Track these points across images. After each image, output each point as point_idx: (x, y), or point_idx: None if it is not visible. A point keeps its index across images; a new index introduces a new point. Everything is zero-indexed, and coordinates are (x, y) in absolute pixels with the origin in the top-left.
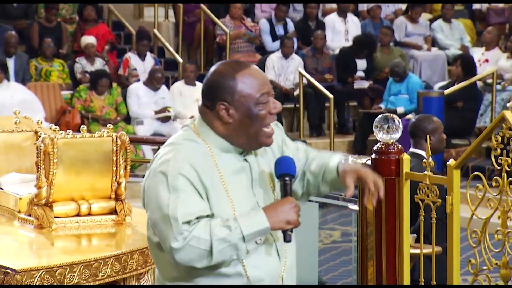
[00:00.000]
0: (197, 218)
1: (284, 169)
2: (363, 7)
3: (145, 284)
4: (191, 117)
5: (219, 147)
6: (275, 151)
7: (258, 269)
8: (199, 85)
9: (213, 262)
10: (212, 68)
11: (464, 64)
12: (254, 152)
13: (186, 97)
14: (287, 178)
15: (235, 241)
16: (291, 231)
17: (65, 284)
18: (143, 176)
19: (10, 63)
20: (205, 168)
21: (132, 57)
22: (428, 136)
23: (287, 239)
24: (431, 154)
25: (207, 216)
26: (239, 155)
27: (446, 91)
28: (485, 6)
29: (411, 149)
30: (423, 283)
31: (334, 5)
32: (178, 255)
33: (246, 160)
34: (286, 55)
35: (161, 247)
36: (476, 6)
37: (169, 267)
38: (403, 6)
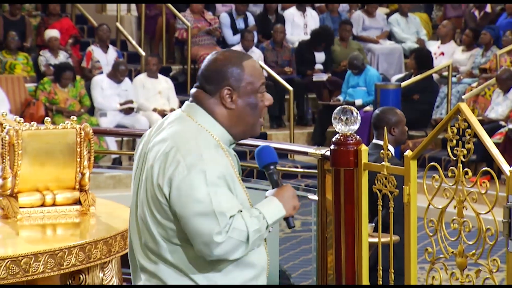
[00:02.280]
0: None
1: (267, 159)
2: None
3: (109, 273)
4: (154, 109)
5: (223, 139)
6: None
7: (263, 261)
8: (161, 78)
9: (245, 253)
10: (213, 56)
11: (419, 57)
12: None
13: (149, 89)
14: (272, 167)
15: (263, 231)
16: (293, 217)
17: (30, 272)
18: (107, 167)
19: None
20: (225, 162)
21: (95, 50)
22: (391, 128)
23: (291, 225)
24: (394, 145)
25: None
26: (230, 149)
27: (403, 84)
28: None
29: (374, 140)
30: (381, 271)
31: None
32: (219, 248)
33: (235, 155)
34: (246, 48)
35: (182, 241)
36: None
37: (186, 262)
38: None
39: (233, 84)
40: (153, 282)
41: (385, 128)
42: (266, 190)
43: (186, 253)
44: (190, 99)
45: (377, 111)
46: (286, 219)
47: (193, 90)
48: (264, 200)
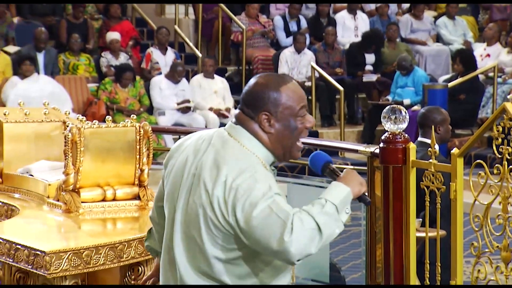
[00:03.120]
0: None
1: (320, 163)
2: (369, 6)
3: None
4: (210, 109)
5: (266, 160)
6: None
7: None
8: (217, 78)
9: (324, 238)
10: (255, 79)
11: (463, 59)
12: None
13: (205, 89)
14: (328, 166)
15: (331, 212)
16: (366, 194)
17: (91, 264)
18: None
19: (40, 57)
20: (273, 179)
21: (154, 52)
22: (437, 127)
23: (367, 201)
24: (439, 143)
25: None
26: (272, 169)
27: (450, 84)
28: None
29: (420, 139)
30: (428, 265)
31: (345, 3)
32: (293, 246)
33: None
34: (298, 50)
35: (246, 259)
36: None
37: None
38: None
39: (270, 109)
40: None
41: (432, 126)
42: (319, 186)
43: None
44: (234, 120)
45: (422, 110)
46: (359, 198)
47: (236, 112)
48: (326, 188)
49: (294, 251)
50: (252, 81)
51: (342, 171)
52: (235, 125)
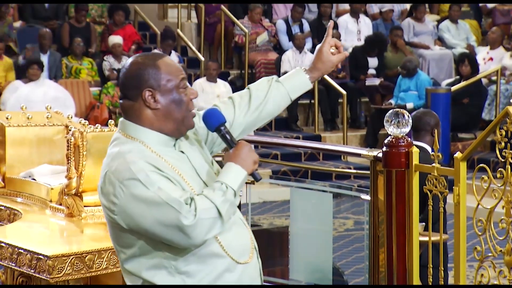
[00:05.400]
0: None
1: (214, 122)
2: (373, 9)
3: None
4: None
5: (155, 142)
6: (199, 139)
7: (235, 245)
8: (220, 82)
9: (225, 224)
10: (128, 63)
11: (470, 62)
12: (184, 145)
13: (208, 93)
14: (222, 128)
15: (232, 198)
16: (257, 170)
17: (93, 269)
18: None
19: (45, 60)
20: (156, 161)
21: None
22: (432, 130)
23: (258, 178)
24: (432, 147)
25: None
26: (173, 149)
27: (453, 88)
28: (490, 5)
29: (414, 142)
30: (431, 269)
31: (347, 7)
32: (195, 232)
33: (182, 151)
34: (298, 48)
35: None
36: (482, 4)
37: (159, 261)
38: (408, 6)
39: (153, 84)
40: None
41: (433, 130)
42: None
43: (148, 265)
44: (122, 114)
45: (416, 114)
46: (252, 175)
47: (119, 102)
48: (222, 169)
49: (194, 235)
50: (126, 65)
51: (233, 141)
52: (121, 119)
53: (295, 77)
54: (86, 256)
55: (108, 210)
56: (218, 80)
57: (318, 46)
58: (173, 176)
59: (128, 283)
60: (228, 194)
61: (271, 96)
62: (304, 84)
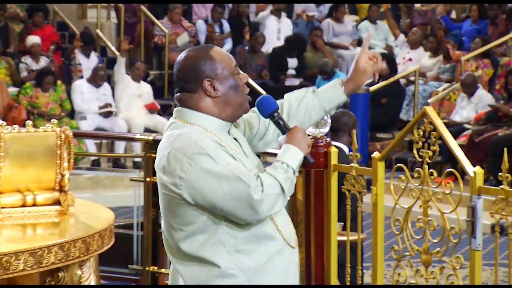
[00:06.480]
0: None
1: (268, 108)
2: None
3: (86, 270)
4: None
5: (213, 127)
6: (241, 126)
7: (286, 229)
8: (142, 82)
9: (285, 201)
10: (181, 58)
11: (388, 63)
12: (236, 132)
13: (130, 93)
14: (275, 114)
15: (292, 177)
16: (309, 154)
17: (10, 270)
18: (86, 168)
19: None
20: (219, 141)
21: (78, 53)
22: (350, 130)
23: (310, 161)
24: (349, 146)
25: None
26: (227, 134)
27: (372, 88)
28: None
29: (332, 142)
30: (349, 268)
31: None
32: (262, 206)
33: (235, 138)
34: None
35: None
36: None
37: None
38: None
39: (210, 75)
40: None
41: (351, 130)
42: None
43: (207, 243)
44: (177, 104)
45: (334, 114)
46: (305, 157)
47: (176, 95)
48: (281, 150)
49: (261, 210)
50: (180, 59)
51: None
52: (177, 108)
53: (330, 89)
54: (3, 257)
55: (172, 186)
56: (141, 80)
57: (355, 57)
58: (235, 154)
59: (179, 271)
60: (289, 172)
61: (303, 105)
62: (338, 96)
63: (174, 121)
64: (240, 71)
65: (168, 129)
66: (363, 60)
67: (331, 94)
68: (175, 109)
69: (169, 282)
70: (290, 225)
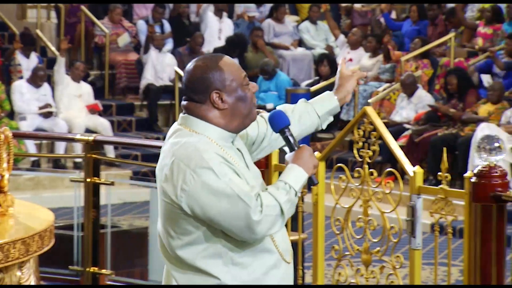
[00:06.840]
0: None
1: (280, 123)
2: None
3: (26, 271)
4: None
5: (218, 137)
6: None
7: (283, 243)
8: (82, 82)
9: (284, 223)
10: (191, 67)
11: (329, 63)
12: (239, 143)
13: (70, 93)
14: (286, 130)
15: (293, 198)
16: (314, 174)
17: None
18: (26, 169)
19: None
20: (224, 154)
21: (18, 54)
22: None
23: (315, 182)
24: None
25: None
26: (231, 145)
27: (312, 88)
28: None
29: None
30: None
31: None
32: (259, 227)
33: (238, 149)
34: (157, 48)
35: (200, 243)
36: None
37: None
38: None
39: (219, 87)
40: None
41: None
42: None
43: (204, 254)
44: (183, 111)
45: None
46: (309, 178)
47: (184, 103)
48: (285, 170)
49: (258, 231)
50: (188, 70)
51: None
52: (184, 115)
53: (320, 96)
54: None
55: (173, 197)
56: (80, 81)
57: (337, 72)
58: (238, 170)
59: (175, 277)
60: (291, 194)
61: (296, 112)
62: (328, 100)
63: (180, 128)
64: (251, 82)
65: (172, 136)
66: (344, 68)
67: (321, 99)
68: (181, 115)
69: (163, 283)
70: (287, 239)
